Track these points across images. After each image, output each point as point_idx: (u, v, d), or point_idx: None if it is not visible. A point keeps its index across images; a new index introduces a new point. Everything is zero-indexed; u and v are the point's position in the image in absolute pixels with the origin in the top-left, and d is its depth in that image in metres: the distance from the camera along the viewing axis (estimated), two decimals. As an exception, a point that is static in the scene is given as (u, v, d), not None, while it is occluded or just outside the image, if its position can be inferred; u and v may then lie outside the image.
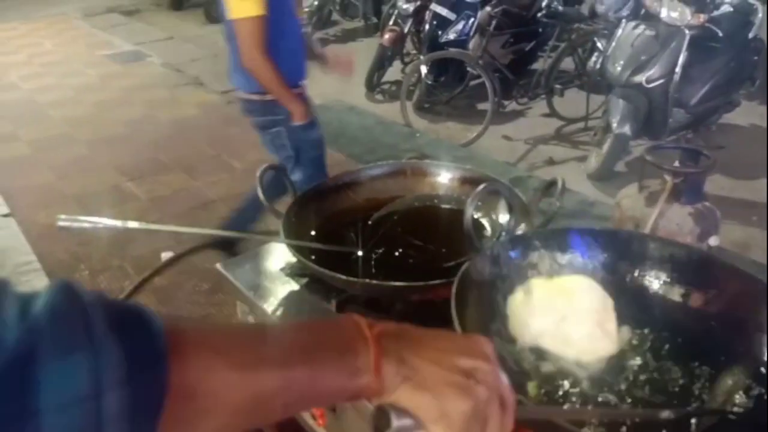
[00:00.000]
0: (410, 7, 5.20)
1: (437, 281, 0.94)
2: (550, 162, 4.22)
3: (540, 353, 0.87)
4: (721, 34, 3.71)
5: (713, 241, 1.45)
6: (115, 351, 0.40)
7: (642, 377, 0.84)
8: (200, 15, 8.18)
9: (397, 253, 1.16)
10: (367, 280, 1.04)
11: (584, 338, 0.86)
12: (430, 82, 5.00)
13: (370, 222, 1.23)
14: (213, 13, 7.94)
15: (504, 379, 0.56)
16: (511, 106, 5.00)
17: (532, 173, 3.73)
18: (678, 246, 0.97)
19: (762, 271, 1.10)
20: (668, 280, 0.96)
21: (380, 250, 1.17)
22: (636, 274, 0.97)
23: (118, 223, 1.12)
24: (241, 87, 2.42)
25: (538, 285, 0.93)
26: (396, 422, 0.51)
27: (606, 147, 3.82)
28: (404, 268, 1.13)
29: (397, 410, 0.52)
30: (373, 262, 1.16)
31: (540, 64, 5.02)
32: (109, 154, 3.48)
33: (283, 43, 2.24)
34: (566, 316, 0.88)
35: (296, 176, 2.35)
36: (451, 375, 0.52)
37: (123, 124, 3.96)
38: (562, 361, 0.85)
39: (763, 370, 0.83)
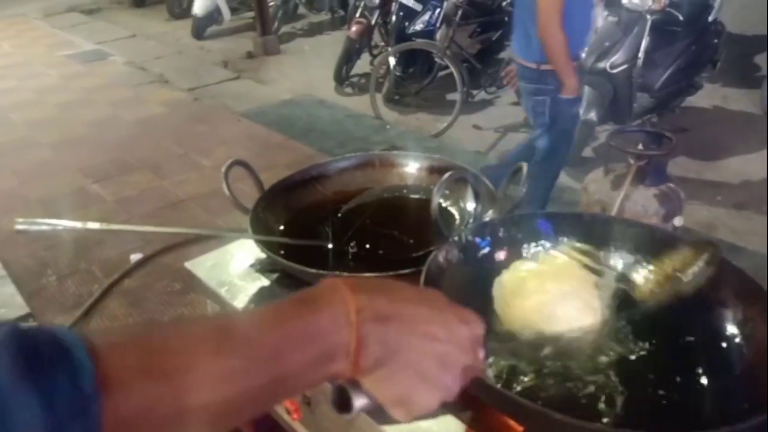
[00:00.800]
0: (378, -1, 5.18)
1: (406, 270, 0.94)
2: (520, 150, 4.25)
3: (524, 332, 0.88)
4: (681, 19, 3.77)
5: (678, 221, 1.48)
6: (27, 406, 0.33)
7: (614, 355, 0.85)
8: (163, 11, 8.04)
9: (367, 245, 1.15)
10: (337, 273, 1.04)
11: (569, 312, 0.87)
12: (398, 74, 4.99)
13: (339, 215, 1.22)
14: (176, 9, 7.82)
15: (479, 359, 0.55)
16: (479, 95, 5.02)
17: (503, 162, 3.75)
18: (641, 226, 0.99)
19: (727, 250, 1.13)
20: (632, 260, 0.98)
21: (350, 243, 1.16)
22: (602, 255, 0.98)
23: (77, 224, 1.09)
24: (521, 54, 2.69)
25: (522, 266, 0.94)
26: (356, 403, 0.51)
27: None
28: (374, 259, 1.13)
29: (357, 389, 0.51)
30: (343, 255, 1.15)
31: (507, 53, 5.05)
32: (73, 156, 3.40)
33: (574, 18, 2.45)
34: (550, 293, 0.89)
35: (542, 143, 2.67)
36: (431, 369, 0.51)
37: (87, 125, 3.88)
38: (548, 336, 0.87)
39: (724, 344, 0.85)
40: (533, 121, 2.76)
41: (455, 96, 4.62)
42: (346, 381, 0.51)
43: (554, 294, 0.88)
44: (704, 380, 0.81)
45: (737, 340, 0.85)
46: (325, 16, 7.63)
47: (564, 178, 3.67)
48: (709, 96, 4.57)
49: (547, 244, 1.00)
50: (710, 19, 4.02)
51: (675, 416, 0.77)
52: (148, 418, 0.38)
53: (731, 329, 0.86)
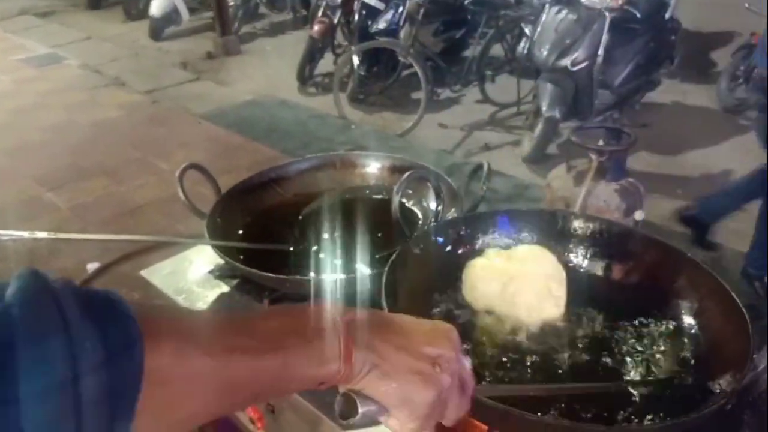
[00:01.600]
0: (341, -2, 5.15)
1: (368, 272, 0.91)
2: (486, 147, 4.27)
3: (490, 318, 0.87)
4: (639, 16, 3.84)
5: (639, 215, 1.50)
6: (90, 335, 0.39)
7: (580, 345, 0.85)
8: (119, 13, 7.84)
9: (328, 247, 1.13)
10: (297, 277, 1.01)
11: (530, 300, 0.87)
12: (362, 73, 4.97)
13: (300, 217, 1.19)
14: (132, 11, 7.65)
15: (466, 365, 0.59)
16: (444, 93, 5.03)
17: (469, 160, 3.76)
18: (598, 221, 0.99)
19: (687, 242, 1.13)
20: (591, 254, 0.98)
21: (311, 246, 1.14)
22: (562, 251, 0.98)
23: (25, 233, 1.04)
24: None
25: (493, 254, 0.93)
26: (362, 408, 0.53)
27: (537, 130, 3.90)
28: (336, 261, 1.10)
29: (362, 396, 0.53)
30: (304, 258, 1.12)
31: (470, 52, 5.07)
32: (26, 163, 3.27)
33: None
34: (515, 278, 0.88)
35: None
36: (417, 363, 0.54)
37: (41, 131, 3.74)
38: (510, 322, 0.86)
39: (685, 339, 0.85)
40: (761, 143, 2.68)
41: (420, 95, 4.62)
42: (351, 391, 0.54)
43: (518, 281, 0.88)
44: (661, 370, 0.81)
45: (693, 330, 0.85)
46: (286, 16, 7.56)
47: (529, 175, 3.70)
48: (668, 91, 4.67)
49: (510, 242, 0.99)
50: (667, 16, 4.11)
51: (631, 405, 0.77)
52: (174, 372, 0.44)
53: (687, 320, 0.87)
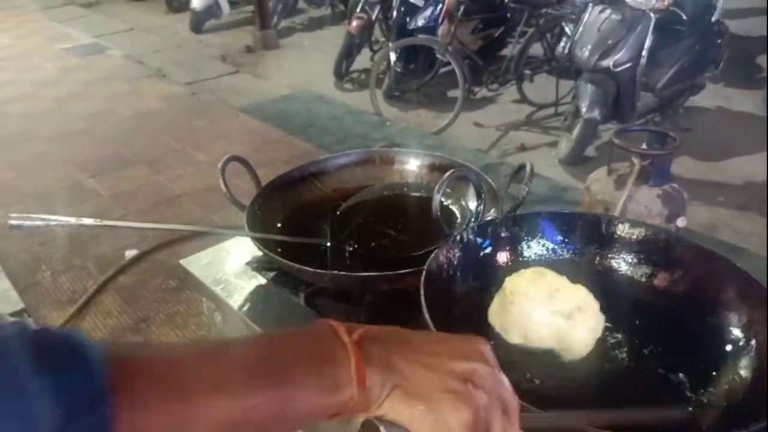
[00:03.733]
0: (380, -6, 5.15)
1: (406, 270, 0.91)
2: (522, 148, 4.22)
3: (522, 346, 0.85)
4: (685, 18, 3.74)
5: (681, 222, 1.46)
6: (45, 394, 0.34)
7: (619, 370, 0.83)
8: (161, 5, 7.99)
9: (366, 243, 1.13)
10: (335, 272, 1.01)
11: (571, 335, 0.84)
12: (399, 70, 4.96)
13: (338, 212, 1.19)
14: (174, 3, 7.78)
15: (505, 381, 0.50)
16: (481, 92, 4.99)
17: (504, 160, 3.73)
18: (644, 227, 0.96)
19: (729, 251, 1.10)
20: (635, 261, 0.95)
21: (349, 241, 1.14)
22: (604, 256, 0.96)
23: (72, 219, 1.06)
24: None
25: (527, 278, 0.91)
26: None
27: (576, 132, 3.84)
28: (374, 258, 1.10)
29: (388, 423, 0.47)
30: (341, 253, 1.13)
31: (509, 50, 5.02)
32: (69, 150, 3.37)
33: None
34: (558, 312, 0.85)
35: None
36: (446, 380, 0.46)
37: (83, 119, 3.84)
38: (543, 355, 0.84)
39: (728, 347, 0.82)
40: None
41: (456, 93, 4.59)
42: (374, 418, 0.47)
43: (545, 309, 0.85)
44: (708, 385, 0.79)
45: (741, 343, 0.83)
46: (325, 11, 7.59)
47: (565, 177, 3.65)
48: (712, 96, 4.55)
49: (550, 245, 0.97)
50: (713, 19, 3.99)
51: (679, 420, 0.75)
52: (156, 422, 0.39)
53: (735, 332, 0.84)
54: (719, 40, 4.09)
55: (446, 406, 0.45)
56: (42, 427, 0.34)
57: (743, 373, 0.79)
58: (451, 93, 4.91)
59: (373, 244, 1.12)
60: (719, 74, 4.35)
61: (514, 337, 0.84)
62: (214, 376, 0.42)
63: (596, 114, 3.73)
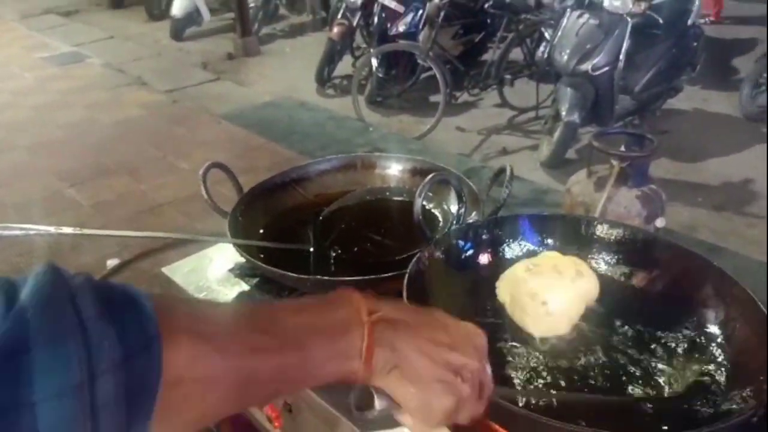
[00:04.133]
0: (358, 1, 5.17)
1: (389, 274, 0.92)
2: (504, 152, 4.26)
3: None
4: (661, 22, 3.81)
5: (660, 222, 1.48)
6: (106, 335, 0.39)
7: (593, 359, 0.84)
8: (141, 13, 7.95)
9: (348, 248, 1.13)
10: (318, 277, 1.01)
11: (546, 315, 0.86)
12: (381, 76, 4.98)
13: (320, 217, 1.19)
14: (154, 11, 7.74)
15: (488, 371, 0.58)
16: (462, 97, 5.03)
17: (486, 164, 3.75)
18: (622, 227, 0.98)
19: (707, 251, 1.12)
20: (614, 261, 0.97)
21: (332, 246, 1.14)
22: (583, 256, 0.97)
23: (51, 229, 1.06)
24: None
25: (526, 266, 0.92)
26: (378, 404, 0.54)
27: (556, 135, 3.88)
28: (357, 262, 1.11)
29: (381, 393, 0.54)
30: (324, 259, 1.13)
31: (490, 55, 5.06)
32: (48, 159, 3.33)
33: None
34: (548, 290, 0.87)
35: None
36: (440, 370, 0.53)
37: (63, 128, 3.80)
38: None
39: (710, 349, 0.84)
40: None
41: (438, 98, 4.62)
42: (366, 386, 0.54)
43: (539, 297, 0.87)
44: (685, 380, 0.80)
45: (719, 339, 0.84)
46: (306, 18, 7.60)
47: (547, 180, 3.69)
48: (689, 98, 4.62)
49: (531, 246, 0.98)
50: (689, 22, 4.07)
51: (657, 417, 0.76)
52: (192, 371, 0.44)
53: (712, 329, 0.86)
54: (695, 44, 4.16)
55: (435, 392, 0.53)
56: (101, 365, 0.38)
57: (719, 368, 0.81)
58: (433, 98, 4.94)
59: (355, 249, 1.12)
60: (696, 77, 4.43)
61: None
62: (248, 336, 0.48)
63: (576, 117, 3.78)
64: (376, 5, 5.03)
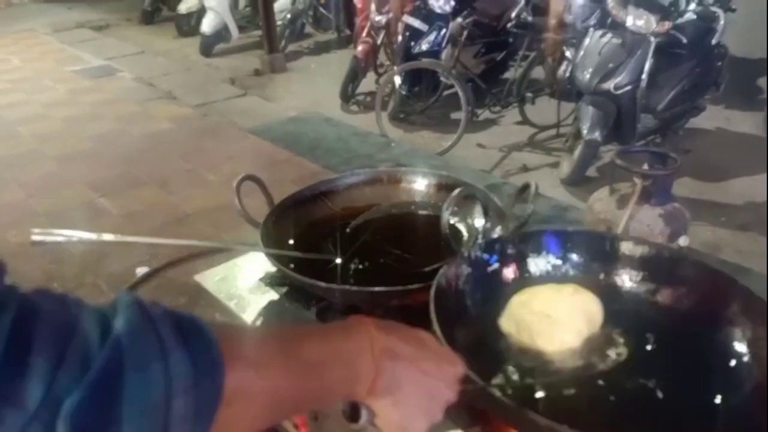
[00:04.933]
0: (382, 19, 5.25)
1: (415, 285, 0.95)
2: (524, 169, 4.27)
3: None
4: (685, 41, 3.81)
5: (683, 241, 1.49)
6: (183, 360, 0.45)
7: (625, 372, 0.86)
8: (171, 29, 8.14)
9: (375, 260, 1.16)
10: (346, 287, 1.05)
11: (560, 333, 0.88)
12: (404, 93, 5.03)
13: (348, 230, 1.23)
14: (184, 27, 7.92)
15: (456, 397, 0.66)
16: (484, 114, 5.06)
17: (507, 180, 3.77)
18: (648, 245, 1.00)
19: (732, 271, 1.13)
20: (639, 278, 0.99)
21: (359, 258, 1.17)
22: (608, 272, 0.99)
23: (92, 235, 1.10)
24: None
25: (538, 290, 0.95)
26: (364, 418, 0.62)
27: (577, 153, 3.89)
28: (383, 274, 1.14)
29: (367, 408, 0.62)
30: (351, 270, 1.16)
31: (511, 74, 5.10)
32: (79, 170, 3.41)
33: None
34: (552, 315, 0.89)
35: None
36: (425, 401, 0.63)
37: (93, 140, 3.91)
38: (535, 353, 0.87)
39: (732, 363, 0.85)
40: None
41: (460, 115, 4.66)
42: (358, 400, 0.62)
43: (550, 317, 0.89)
44: (712, 399, 0.81)
45: (746, 359, 0.85)
46: (331, 35, 7.72)
47: (567, 197, 3.69)
48: (712, 118, 4.60)
49: (556, 261, 1.01)
50: (713, 42, 4.06)
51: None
52: (241, 392, 0.49)
53: (740, 348, 0.87)
54: (719, 63, 4.15)
55: (415, 418, 0.63)
56: (178, 386, 0.44)
57: (746, 387, 0.82)
58: (455, 115, 4.98)
59: (382, 261, 1.15)
60: (720, 96, 4.41)
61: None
62: (282, 362, 0.55)
63: (597, 135, 3.79)
64: (399, 24, 5.10)
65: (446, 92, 5.05)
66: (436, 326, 0.82)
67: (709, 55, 4.08)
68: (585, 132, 3.80)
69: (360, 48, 5.33)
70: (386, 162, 3.42)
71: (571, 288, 0.92)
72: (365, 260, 1.17)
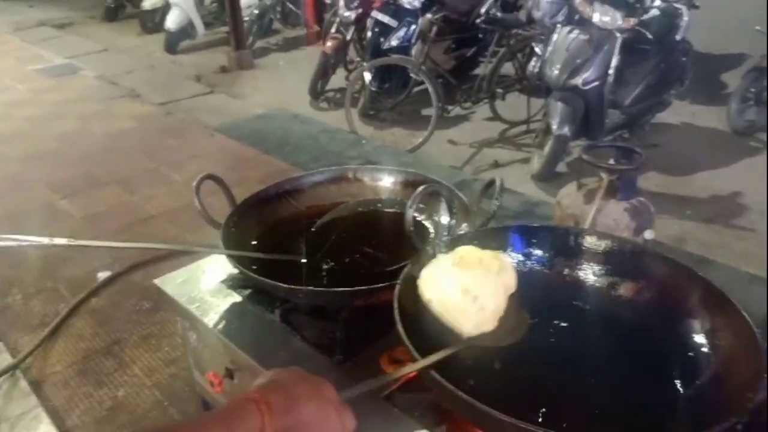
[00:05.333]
0: (352, 15, 5.21)
1: (380, 285, 0.92)
2: (495, 165, 4.29)
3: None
4: (650, 37, 3.86)
5: (648, 234, 1.50)
6: None
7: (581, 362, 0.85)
8: (135, 26, 7.97)
9: (341, 260, 1.14)
10: (310, 288, 1.02)
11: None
12: (374, 89, 5.01)
13: (313, 229, 1.20)
14: (148, 24, 7.76)
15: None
16: (455, 111, 5.06)
17: (478, 176, 3.78)
18: (610, 238, 1.00)
19: (696, 263, 1.14)
20: (602, 271, 0.98)
21: (324, 257, 1.15)
22: (572, 267, 0.99)
23: (45, 240, 1.06)
24: None
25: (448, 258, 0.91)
26: None
27: (547, 148, 3.91)
28: (349, 273, 1.11)
29: None
30: (316, 270, 1.14)
31: (481, 70, 5.11)
32: (41, 170, 3.32)
33: None
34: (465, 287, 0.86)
35: None
36: None
37: (56, 139, 3.80)
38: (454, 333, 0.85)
39: (691, 353, 0.85)
40: None
41: (430, 111, 4.66)
42: None
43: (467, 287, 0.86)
44: (671, 388, 0.81)
45: (704, 350, 0.85)
46: (300, 31, 7.65)
47: (537, 192, 3.71)
48: (678, 113, 4.68)
49: (520, 257, 1.00)
50: (678, 38, 4.12)
51: (643, 425, 0.77)
52: None
53: (698, 339, 0.87)
54: (684, 59, 4.22)
55: None
56: None
57: (704, 377, 0.82)
58: (425, 111, 4.97)
59: (347, 260, 1.13)
60: (685, 91, 4.49)
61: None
62: None
63: (566, 131, 3.81)
64: (369, 20, 5.07)
65: (416, 89, 5.04)
66: (399, 326, 0.81)
67: (673, 50, 4.14)
68: (554, 127, 3.83)
69: (329, 44, 5.29)
70: (356, 159, 3.40)
71: (496, 262, 0.87)
72: (330, 260, 1.14)
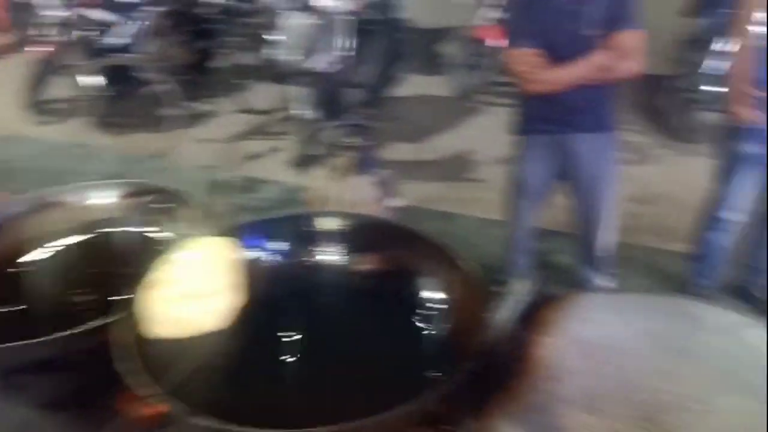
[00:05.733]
0: (58, 15, 4.59)
1: (96, 323, 0.79)
2: (250, 157, 4.18)
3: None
4: (376, 18, 4.10)
5: (397, 202, 1.56)
6: None
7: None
8: None
9: (59, 300, 0.96)
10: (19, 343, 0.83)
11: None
12: (104, 94, 4.52)
13: (14, 270, 0.99)
14: None
15: None
16: (201, 107, 4.83)
17: (233, 173, 3.64)
18: (341, 215, 1.00)
19: (444, 218, 1.19)
20: (338, 251, 0.97)
21: (37, 302, 0.95)
22: (311, 253, 0.96)
23: None
24: None
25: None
26: None
27: (297, 134, 3.95)
28: (71, 314, 0.94)
29: None
30: (40, 315, 0.94)
31: (222, 62, 4.94)
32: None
33: None
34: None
35: None
36: None
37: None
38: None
39: (434, 311, 0.87)
40: None
41: (170, 111, 4.37)
42: None
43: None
44: (408, 344, 0.84)
45: (438, 304, 0.89)
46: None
47: (296, 179, 3.71)
48: (409, 85, 5.04)
49: (259, 253, 0.94)
50: (398, 17, 4.44)
51: (379, 385, 0.78)
52: None
53: (433, 296, 0.90)
54: (401, 35, 4.57)
55: None
56: None
57: (441, 329, 0.85)
58: (168, 111, 4.65)
59: (61, 302, 0.95)
60: (416, 65, 4.86)
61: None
62: None
63: (310, 114, 3.88)
64: (83, 18, 4.53)
65: (155, 88, 4.67)
66: (118, 365, 0.69)
67: (398, 28, 4.44)
68: (299, 112, 3.87)
69: (40, 49, 4.60)
70: (96, 174, 3.03)
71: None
72: (46, 303, 0.95)
